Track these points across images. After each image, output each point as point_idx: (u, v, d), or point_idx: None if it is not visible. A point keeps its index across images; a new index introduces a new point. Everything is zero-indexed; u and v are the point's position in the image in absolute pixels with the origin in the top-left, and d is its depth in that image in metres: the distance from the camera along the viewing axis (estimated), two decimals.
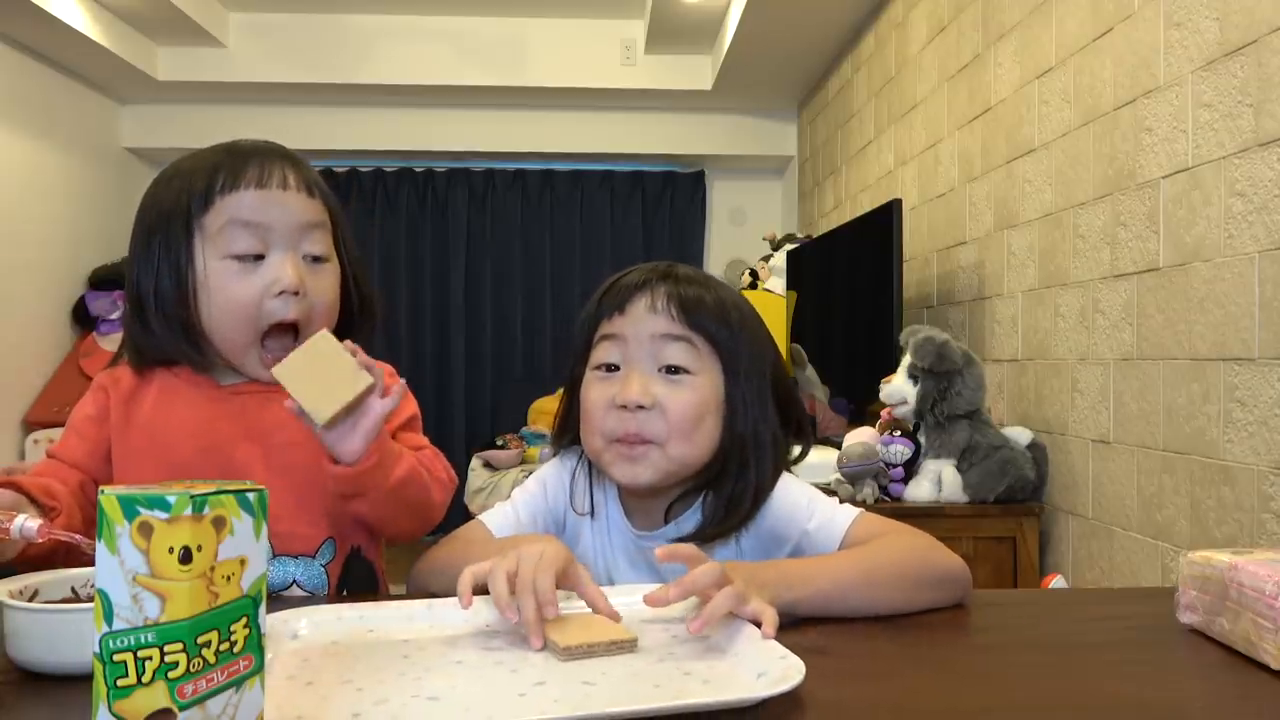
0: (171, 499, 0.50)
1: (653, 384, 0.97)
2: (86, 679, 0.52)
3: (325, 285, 1.05)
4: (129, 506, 0.50)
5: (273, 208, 1.01)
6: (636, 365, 0.98)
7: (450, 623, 0.83)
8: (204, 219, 1.01)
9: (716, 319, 0.99)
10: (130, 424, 1.06)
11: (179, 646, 0.50)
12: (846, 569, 0.89)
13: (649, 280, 1.01)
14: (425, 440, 1.11)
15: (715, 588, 0.76)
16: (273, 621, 0.78)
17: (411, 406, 1.13)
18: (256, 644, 0.55)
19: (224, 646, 0.52)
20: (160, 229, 1.03)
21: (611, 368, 1.00)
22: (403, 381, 1.00)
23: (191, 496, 0.50)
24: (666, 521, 1.02)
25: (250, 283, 1.00)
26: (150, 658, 0.50)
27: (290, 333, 1.03)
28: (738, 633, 0.75)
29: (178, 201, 1.02)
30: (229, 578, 0.53)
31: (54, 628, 0.70)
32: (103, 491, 0.51)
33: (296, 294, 1.01)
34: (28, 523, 0.78)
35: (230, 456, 1.02)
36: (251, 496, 0.54)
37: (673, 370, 0.98)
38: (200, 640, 0.51)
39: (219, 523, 0.52)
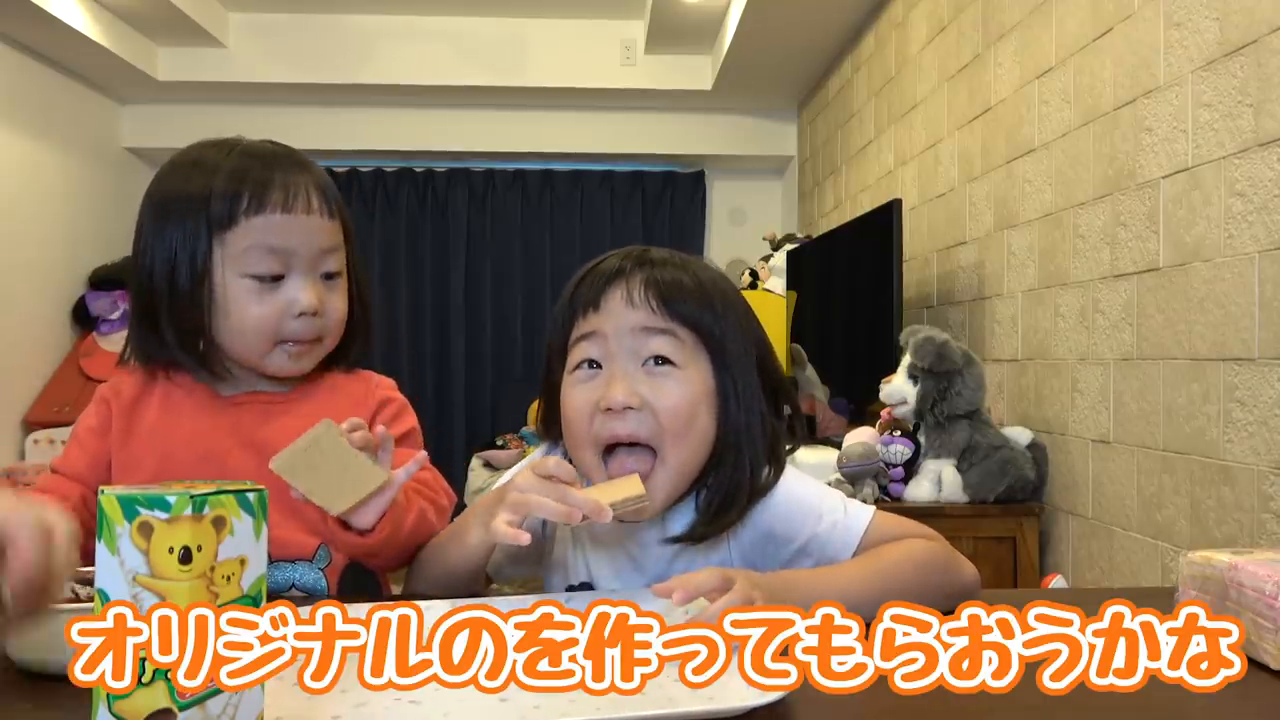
0: (171, 499, 0.50)
1: (637, 382, 0.90)
2: None
3: (338, 301, 1.07)
4: (129, 506, 0.50)
5: (296, 233, 1.01)
6: (618, 362, 0.91)
7: None
8: (226, 235, 1.00)
9: (699, 304, 0.92)
10: (131, 434, 1.06)
11: None
12: (856, 585, 0.85)
13: (624, 269, 0.93)
14: (423, 455, 1.10)
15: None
16: None
17: (410, 420, 1.13)
18: None
19: None
20: (177, 225, 1.01)
21: (592, 364, 0.93)
22: (419, 444, 1.04)
23: (191, 496, 0.50)
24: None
25: (270, 302, 1.01)
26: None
27: (313, 344, 1.05)
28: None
29: (199, 205, 1.00)
30: (229, 578, 0.53)
31: (54, 628, 0.70)
32: (103, 491, 0.51)
33: (315, 314, 1.02)
34: None
35: (224, 466, 1.02)
36: (251, 497, 0.54)
37: (658, 362, 0.91)
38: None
39: (219, 523, 0.52)
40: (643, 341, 0.91)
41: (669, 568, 0.97)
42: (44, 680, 0.71)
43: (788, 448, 0.99)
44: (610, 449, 0.92)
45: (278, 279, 1.01)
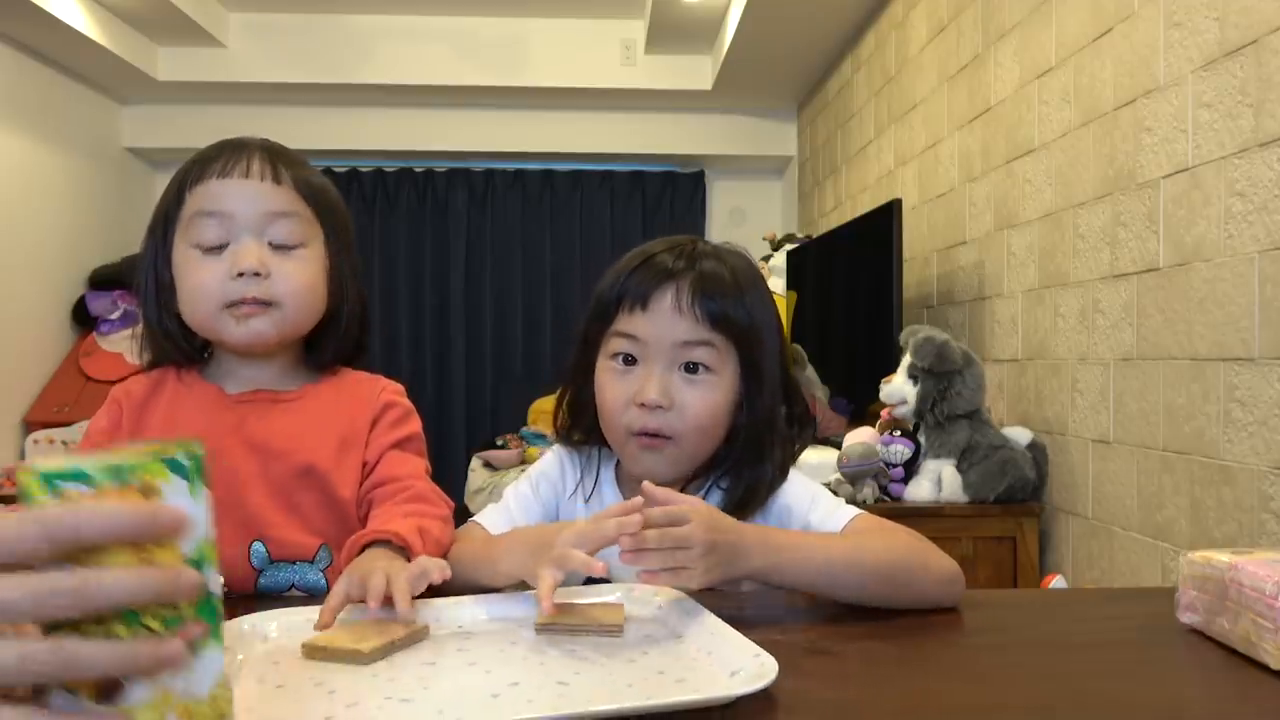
0: (92, 472, 0.48)
1: (672, 384, 0.98)
2: None
3: (295, 271, 1.03)
4: (49, 481, 0.48)
5: (233, 196, 1.02)
6: (656, 365, 0.99)
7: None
8: (179, 214, 1.04)
9: (735, 304, 0.99)
10: (139, 433, 1.07)
11: (118, 620, 0.48)
12: (834, 545, 0.91)
13: (675, 269, 0.99)
14: (423, 464, 1.09)
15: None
16: (243, 624, 0.78)
17: (414, 425, 1.12)
18: (209, 607, 0.51)
19: (170, 614, 0.50)
20: (149, 228, 1.07)
21: (629, 359, 1.00)
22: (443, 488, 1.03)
23: (112, 466, 0.48)
24: None
25: (213, 268, 1.02)
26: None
27: (260, 306, 1.01)
28: (712, 632, 0.76)
29: (163, 200, 1.06)
30: (165, 544, 0.50)
31: None
32: (22, 468, 0.49)
33: (258, 275, 1.01)
34: None
35: (228, 465, 1.02)
36: (181, 456, 0.50)
37: (693, 368, 0.99)
38: (141, 611, 0.49)
39: (147, 490, 0.49)
40: (683, 353, 0.99)
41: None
42: None
43: (796, 446, 1.06)
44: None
45: (222, 247, 1.02)
